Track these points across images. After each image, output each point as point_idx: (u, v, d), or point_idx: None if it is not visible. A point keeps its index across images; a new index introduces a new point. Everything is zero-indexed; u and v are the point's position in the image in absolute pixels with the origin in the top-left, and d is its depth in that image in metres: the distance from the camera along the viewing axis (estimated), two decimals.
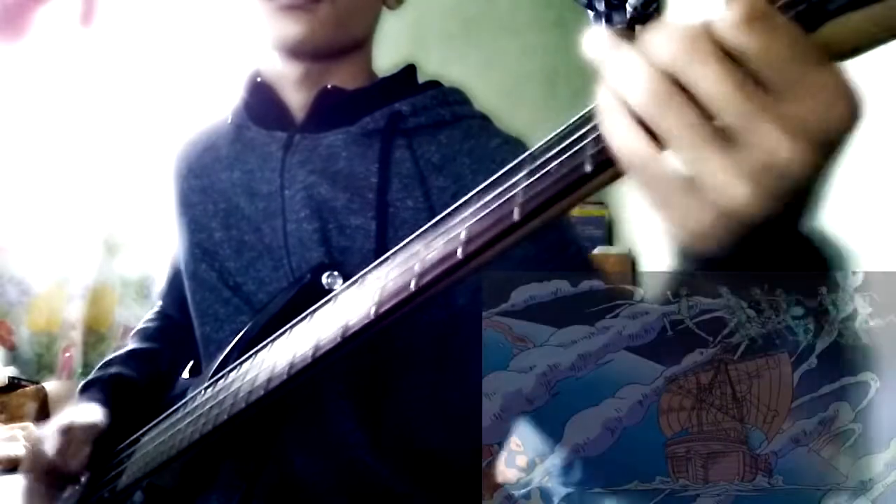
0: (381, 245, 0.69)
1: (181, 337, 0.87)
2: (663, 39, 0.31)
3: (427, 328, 0.70)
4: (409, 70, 0.83)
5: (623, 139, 0.32)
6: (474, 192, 0.42)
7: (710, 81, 0.30)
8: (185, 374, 0.81)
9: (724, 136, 0.30)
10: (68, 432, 0.77)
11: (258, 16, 0.75)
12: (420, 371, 0.71)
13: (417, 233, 0.47)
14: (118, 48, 2.05)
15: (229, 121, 0.84)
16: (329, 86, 0.78)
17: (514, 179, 0.39)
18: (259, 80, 0.82)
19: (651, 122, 0.31)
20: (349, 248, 0.71)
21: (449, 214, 0.44)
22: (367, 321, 0.48)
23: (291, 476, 0.72)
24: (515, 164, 0.40)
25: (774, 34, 0.29)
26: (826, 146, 0.29)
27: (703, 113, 0.30)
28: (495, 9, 2.35)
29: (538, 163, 0.37)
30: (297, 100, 0.80)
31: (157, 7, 2.08)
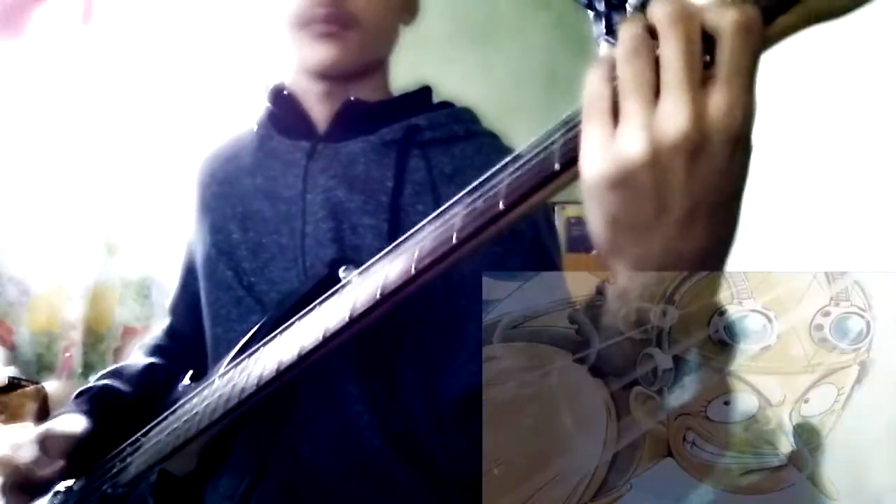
0: (391, 244, 0.71)
1: (184, 353, 0.88)
2: (670, 4, 0.38)
3: (429, 325, 0.72)
4: (425, 90, 0.88)
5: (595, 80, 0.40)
6: (504, 160, 0.45)
7: (674, 45, 0.37)
8: (186, 381, 0.82)
9: (653, 95, 0.37)
10: (44, 442, 0.79)
11: (288, 41, 0.79)
12: (419, 366, 0.73)
13: (447, 204, 0.49)
14: (117, 46, 2.05)
15: (254, 131, 0.87)
16: (353, 98, 0.82)
17: (552, 139, 0.42)
18: (284, 92, 0.85)
19: (619, 55, 0.38)
20: (360, 245, 0.74)
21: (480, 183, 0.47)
22: (406, 277, 0.50)
23: (300, 460, 0.73)
24: (551, 129, 0.43)
25: (752, 48, 0.36)
26: (714, 136, 0.36)
27: (655, 70, 0.38)
28: (495, 10, 2.35)
29: (574, 122, 0.41)
30: (320, 112, 0.84)
31: (156, 5, 2.08)
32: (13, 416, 1.67)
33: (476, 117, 0.85)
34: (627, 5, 1.78)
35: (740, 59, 0.36)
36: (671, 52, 0.37)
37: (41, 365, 1.96)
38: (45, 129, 2.00)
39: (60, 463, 0.78)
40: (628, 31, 0.38)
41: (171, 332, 0.98)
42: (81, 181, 2.02)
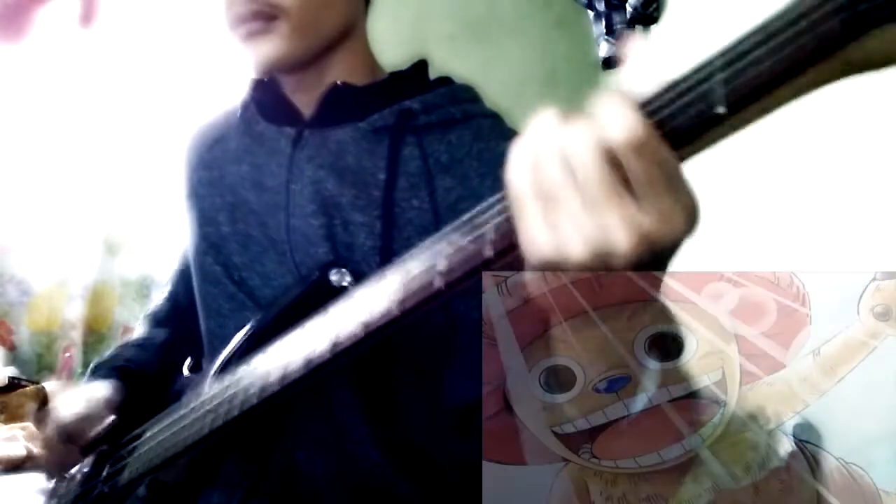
0: (385, 243, 0.69)
1: (190, 322, 0.86)
2: (587, 123, 0.37)
3: (426, 331, 0.70)
4: (420, 66, 0.82)
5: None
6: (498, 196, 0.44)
7: (589, 161, 0.37)
8: (185, 371, 0.81)
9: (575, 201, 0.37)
10: (91, 401, 0.79)
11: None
12: (418, 372, 0.71)
13: (442, 232, 0.48)
14: (118, 48, 2.05)
15: (238, 114, 0.84)
16: (339, 82, 0.77)
17: None
18: (265, 78, 0.82)
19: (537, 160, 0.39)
20: (352, 244, 0.70)
21: (471, 217, 0.45)
22: (390, 317, 0.48)
23: (295, 472, 0.72)
24: None
25: (651, 159, 0.36)
26: (654, 247, 0.36)
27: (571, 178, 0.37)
28: (496, 9, 2.35)
29: None
30: (302, 97, 0.79)
31: (157, 7, 2.07)
32: (13, 416, 1.66)
33: (476, 95, 0.80)
34: (627, 5, 1.78)
35: (646, 173, 0.36)
36: (586, 175, 0.37)
37: (41, 365, 1.96)
38: (45, 131, 1.99)
39: (109, 420, 0.77)
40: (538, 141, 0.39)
41: (172, 298, 0.96)
42: (82, 181, 2.02)
